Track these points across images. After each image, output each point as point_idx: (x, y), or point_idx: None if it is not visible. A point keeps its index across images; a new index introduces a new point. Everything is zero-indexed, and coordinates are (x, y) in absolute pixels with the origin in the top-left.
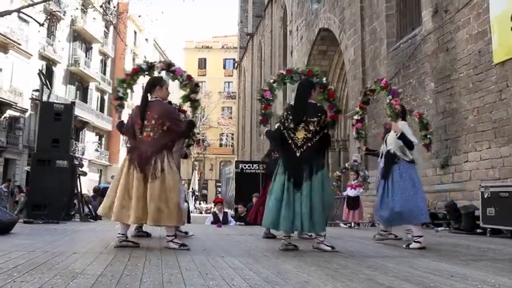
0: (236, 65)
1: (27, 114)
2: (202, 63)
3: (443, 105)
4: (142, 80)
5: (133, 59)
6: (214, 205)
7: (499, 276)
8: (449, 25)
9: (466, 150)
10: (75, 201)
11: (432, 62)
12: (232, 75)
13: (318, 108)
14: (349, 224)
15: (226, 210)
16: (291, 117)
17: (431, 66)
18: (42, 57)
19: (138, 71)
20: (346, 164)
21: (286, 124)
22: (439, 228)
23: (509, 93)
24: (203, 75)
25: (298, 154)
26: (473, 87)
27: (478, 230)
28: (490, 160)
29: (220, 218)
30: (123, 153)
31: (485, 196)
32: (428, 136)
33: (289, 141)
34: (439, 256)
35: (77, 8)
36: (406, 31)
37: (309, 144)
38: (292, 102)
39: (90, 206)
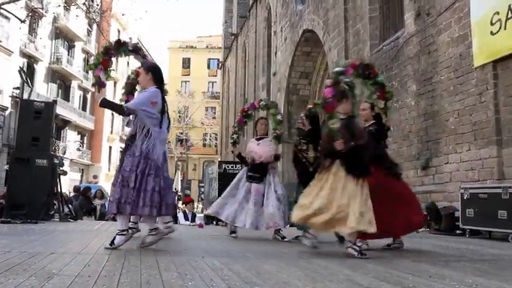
0: (220, 65)
1: (7, 112)
2: (186, 63)
3: (425, 108)
4: None
5: (116, 58)
6: (186, 204)
7: (477, 277)
8: (431, 28)
9: (446, 152)
10: (55, 200)
11: (414, 65)
12: (216, 75)
13: None
14: None
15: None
16: None
17: (413, 68)
18: (23, 54)
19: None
20: None
21: None
22: (420, 229)
23: (489, 96)
24: (187, 75)
25: None
26: (454, 90)
27: (458, 231)
28: (469, 162)
29: (189, 217)
30: (105, 152)
31: (465, 197)
32: None
33: None
34: (418, 257)
35: (59, 5)
36: (389, 33)
37: None
38: None
39: (70, 206)
